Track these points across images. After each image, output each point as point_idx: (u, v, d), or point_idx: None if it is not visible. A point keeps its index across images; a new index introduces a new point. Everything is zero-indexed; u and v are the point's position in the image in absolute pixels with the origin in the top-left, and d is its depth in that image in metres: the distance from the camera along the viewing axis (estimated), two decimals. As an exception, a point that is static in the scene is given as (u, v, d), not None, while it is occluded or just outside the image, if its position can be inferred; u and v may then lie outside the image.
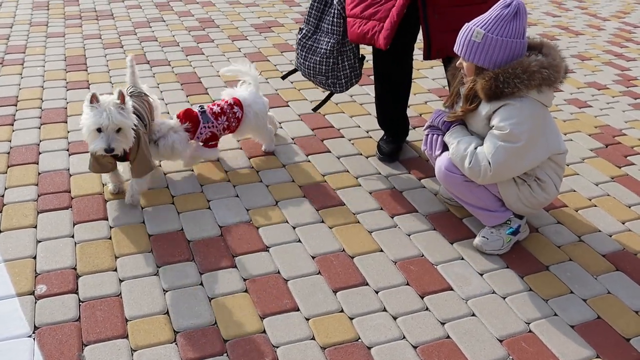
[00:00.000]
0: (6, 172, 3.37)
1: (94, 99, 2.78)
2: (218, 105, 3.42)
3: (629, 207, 3.29)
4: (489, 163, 2.65)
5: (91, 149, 2.86)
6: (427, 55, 3.20)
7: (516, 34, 2.60)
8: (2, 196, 3.15)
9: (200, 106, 3.40)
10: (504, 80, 2.57)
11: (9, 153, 3.57)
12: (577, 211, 3.23)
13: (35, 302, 2.48)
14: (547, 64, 2.58)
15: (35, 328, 2.36)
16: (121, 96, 2.82)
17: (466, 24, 2.68)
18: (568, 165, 3.61)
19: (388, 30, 3.09)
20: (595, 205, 3.29)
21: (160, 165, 3.45)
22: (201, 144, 3.41)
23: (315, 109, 3.86)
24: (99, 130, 2.79)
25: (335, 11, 3.38)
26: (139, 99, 3.20)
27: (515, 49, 2.60)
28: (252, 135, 3.69)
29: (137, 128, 2.93)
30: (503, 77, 2.57)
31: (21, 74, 4.75)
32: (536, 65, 2.56)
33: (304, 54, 3.54)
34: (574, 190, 3.42)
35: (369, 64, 3.64)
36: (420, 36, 3.28)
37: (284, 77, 3.87)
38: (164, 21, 6.24)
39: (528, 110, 2.60)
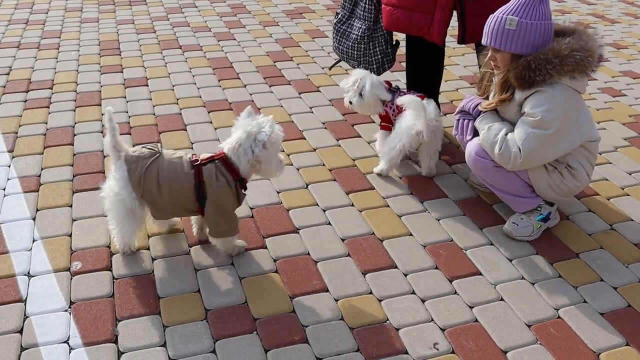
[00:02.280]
0: (42, 153, 3.44)
1: None
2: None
3: (663, 196, 3.26)
4: (519, 150, 2.64)
5: None
6: (462, 40, 3.19)
7: (546, 16, 2.59)
8: (39, 176, 3.23)
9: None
10: (535, 68, 2.55)
11: (45, 135, 3.65)
12: (609, 200, 3.20)
13: (71, 279, 2.54)
14: (578, 47, 2.55)
15: (71, 303, 2.42)
16: None
17: (491, 15, 2.65)
18: (601, 154, 3.57)
19: (442, 25, 3.11)
20: (628, 194, 3.25)
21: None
22: None
23: (330, 68, 4.05)
24: None
25: (368, -3, 3.39)
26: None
27: (548, 31, 2.59)
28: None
29: None
30: (535, 64, 2.55)
31: (57, 58, 4.84)
32: (567, 49, 2.53)
33: (338, 38, 3.58)
34: (606, 179, 3.38)
35: (401, 49, 3.63)
36: (453, 22, 3.26)
37: (330, 68, 3.99)
38: (196, 7, 6.29)
39: (560, 97, 2.58)
